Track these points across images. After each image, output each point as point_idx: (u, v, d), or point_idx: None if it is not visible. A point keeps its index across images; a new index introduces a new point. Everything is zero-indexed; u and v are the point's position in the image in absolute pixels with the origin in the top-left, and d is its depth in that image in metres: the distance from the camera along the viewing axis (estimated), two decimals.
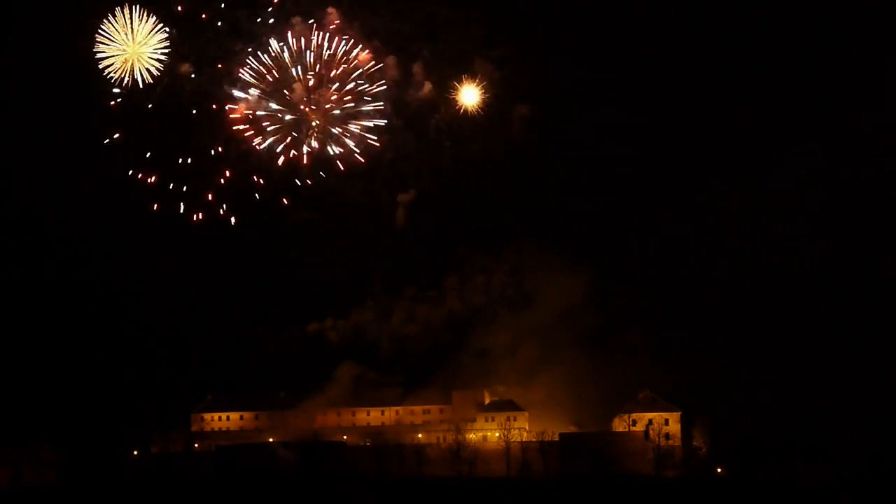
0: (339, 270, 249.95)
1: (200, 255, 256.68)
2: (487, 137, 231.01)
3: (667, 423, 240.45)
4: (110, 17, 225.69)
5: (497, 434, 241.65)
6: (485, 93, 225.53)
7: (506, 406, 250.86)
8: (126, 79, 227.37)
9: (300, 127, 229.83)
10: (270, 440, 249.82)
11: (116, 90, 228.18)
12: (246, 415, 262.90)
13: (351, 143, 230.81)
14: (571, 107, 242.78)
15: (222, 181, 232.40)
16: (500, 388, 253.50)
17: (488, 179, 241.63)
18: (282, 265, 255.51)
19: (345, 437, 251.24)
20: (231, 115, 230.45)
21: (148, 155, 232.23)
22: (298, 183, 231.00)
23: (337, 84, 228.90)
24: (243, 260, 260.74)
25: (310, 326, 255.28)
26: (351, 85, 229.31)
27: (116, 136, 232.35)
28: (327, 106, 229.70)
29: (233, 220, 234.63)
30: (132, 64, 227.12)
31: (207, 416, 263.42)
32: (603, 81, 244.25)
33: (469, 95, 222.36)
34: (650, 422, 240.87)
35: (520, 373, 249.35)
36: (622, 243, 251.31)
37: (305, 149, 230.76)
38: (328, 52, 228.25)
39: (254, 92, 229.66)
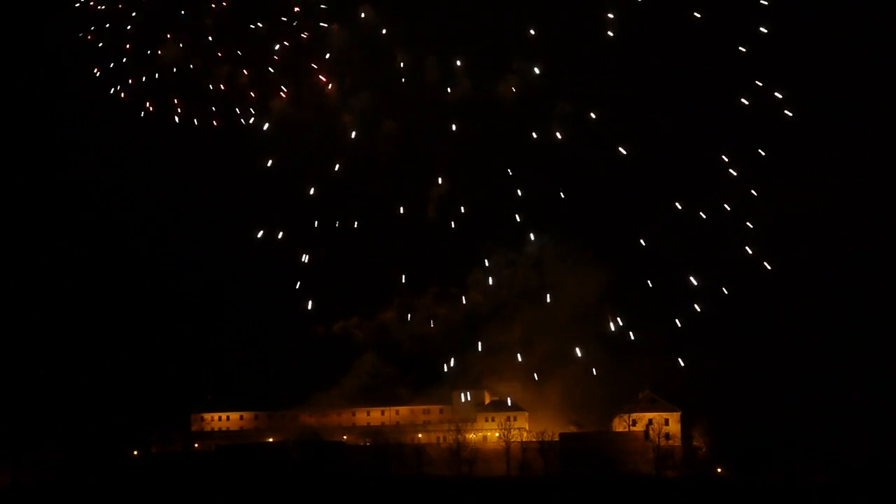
0: (368, 267, 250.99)
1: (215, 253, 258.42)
2: (524, 132, 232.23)
3: (667, 423, 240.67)
4: None
5: (497, 434, 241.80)
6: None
7: (506, 406, 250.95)
8: None
9: None
10: (270, 440, 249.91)
11: None
12: (246, 415, 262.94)
13: None
14: (605, 106, 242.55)
15: None
16: (511, 386, 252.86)
17: (517, 173, 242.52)
18: (313, 260, 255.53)
19: (345, 437, 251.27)
20: None
21: None
22: None
23: None
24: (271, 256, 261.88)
25: (336, 325, 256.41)
26: None
27: None
28: None
29: None
30: None
31: (207, 416, 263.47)
32: (634, 85, 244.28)
33: None
34: (650, 422, 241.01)
35: (533, 370, 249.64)
36: (640, 243, 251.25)
37: None
38: None
39: None
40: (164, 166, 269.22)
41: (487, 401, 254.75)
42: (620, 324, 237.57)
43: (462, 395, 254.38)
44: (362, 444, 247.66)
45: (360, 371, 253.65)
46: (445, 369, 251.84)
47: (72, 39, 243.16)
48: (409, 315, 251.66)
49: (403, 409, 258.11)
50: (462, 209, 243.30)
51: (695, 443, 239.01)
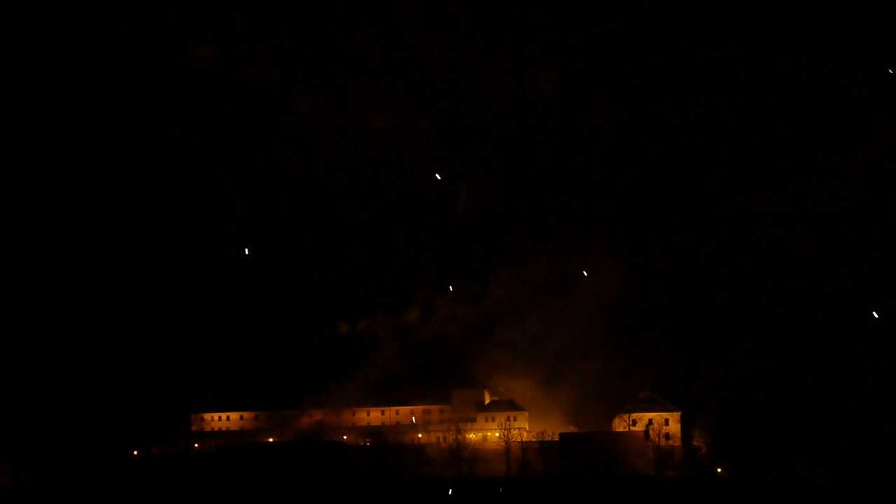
0: (393, 266, 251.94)
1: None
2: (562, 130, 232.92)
3: (667, 423, 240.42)
4: None
5: (497, 434, 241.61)
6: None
7: (506, 406, 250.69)
8: None
9: None
10: (270, 440, 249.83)
11: None
12: (246, 415, 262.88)
13: None
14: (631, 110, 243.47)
15: None
16: (519, 383, 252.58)
17: (545, 172, 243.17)
18: (341, 261, 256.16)
19: (345, 437, 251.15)
20: None
21: None
22: None
23: None
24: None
25: (361, 323, 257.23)
26: None
27: None
28: None
29: None
30: None
31: (207, 416, 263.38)
32: (661, 91, 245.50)
33: None
34: (650, 422, 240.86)
35: (545, 367, 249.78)
36: (659, 245, 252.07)
37: None
38: None
39: None
40: (161, 158, 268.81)
41: (487, 401, 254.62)
42: None
43: (462, 394, 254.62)
44: (362, 444, 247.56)
45: (377, 364, 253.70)
46: (463, 368, 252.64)
47: None
48: (431, 315, 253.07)
49: (403, 409, 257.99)
50: (491, 206, 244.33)
51: (695, 443, 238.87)
